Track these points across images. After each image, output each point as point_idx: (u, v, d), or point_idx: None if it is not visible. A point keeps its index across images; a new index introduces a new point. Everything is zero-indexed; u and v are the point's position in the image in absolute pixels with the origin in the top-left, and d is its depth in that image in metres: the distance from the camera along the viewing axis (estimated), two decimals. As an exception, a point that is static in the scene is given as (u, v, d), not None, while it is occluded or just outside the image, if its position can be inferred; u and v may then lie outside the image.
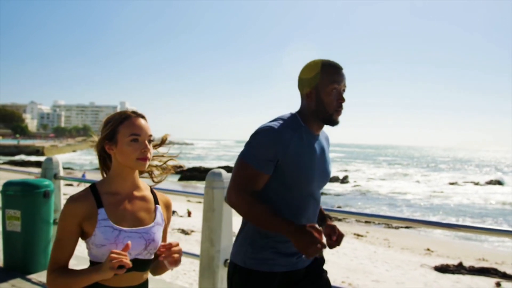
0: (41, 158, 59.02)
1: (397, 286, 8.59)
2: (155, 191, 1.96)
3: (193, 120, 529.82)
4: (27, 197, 4.82)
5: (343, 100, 2.08)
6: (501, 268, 11.39)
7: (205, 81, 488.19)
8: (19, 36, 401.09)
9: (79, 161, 65.14)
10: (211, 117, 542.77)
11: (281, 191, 2.05)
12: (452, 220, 22.40)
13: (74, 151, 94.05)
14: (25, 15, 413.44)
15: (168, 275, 6.87)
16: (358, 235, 15.60)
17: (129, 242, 1.67)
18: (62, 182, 5.37)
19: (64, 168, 43.35)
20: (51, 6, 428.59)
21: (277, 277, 2.08)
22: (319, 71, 2.07)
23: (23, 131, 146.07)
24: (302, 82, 2.13)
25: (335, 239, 2.09)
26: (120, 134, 1.78)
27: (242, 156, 2.04)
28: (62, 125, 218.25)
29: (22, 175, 7.11)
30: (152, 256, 1.84)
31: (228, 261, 2.28)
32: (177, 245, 1.78)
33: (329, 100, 2.05)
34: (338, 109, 2.07)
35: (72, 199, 1.75)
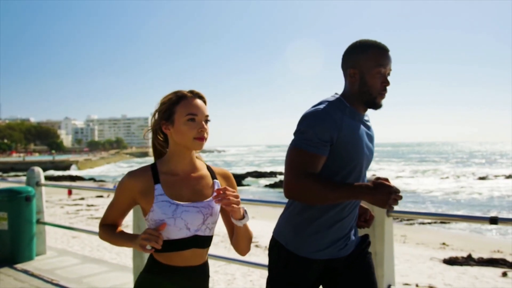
0: (75, 172, 60.96)
1: (400, 278, 8.84)
2: (212, 167, 1.96)
3: (224, 127, 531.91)
4: (12, 201, 5.79)
5: (387, 83, 2.03)
6: (512, 259, 11.46)
7: (233, 86, 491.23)
8: (50, 54, 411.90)
9: (111, 173, 66.60)
10: (241, 123, 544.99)
11: (335, 171, 2.01)
12: (477, 214, 22.27)
13: (108, 163, 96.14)
14: (52, 32, 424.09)
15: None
16: (376, 232, 15.78)
17: (165, 223, 1.73)
18: (44, 188, 6.32)
19: (97, 181, 44.33)
20: (79, 21, 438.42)
21: (316, 264, 2.07)
22: (366, 52, 2.01)
23: (59, 147, 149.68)
24: (346, 61, 2.08)
25: (367, 219, 2.19)
26: (177, 114, 1.79)
27: (294, 144, 1.99)
28: (96, 138, 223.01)
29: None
30: (212, 233, 1.87)
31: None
32: (234, 191, 1.77)
33: (373, 82, 2.01)
34: (382, 92, 2.03)
35: (130, 174, 1.82)
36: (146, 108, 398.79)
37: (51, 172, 63.79)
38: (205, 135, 1.79)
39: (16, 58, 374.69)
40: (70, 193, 27.14)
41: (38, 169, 6.39)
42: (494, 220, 2.68)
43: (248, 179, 43.73)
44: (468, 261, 10.64)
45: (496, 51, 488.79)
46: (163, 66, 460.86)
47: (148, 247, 1.67)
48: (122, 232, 1.89)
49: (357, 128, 2.04)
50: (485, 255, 11.64)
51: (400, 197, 1.83)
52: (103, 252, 9.83)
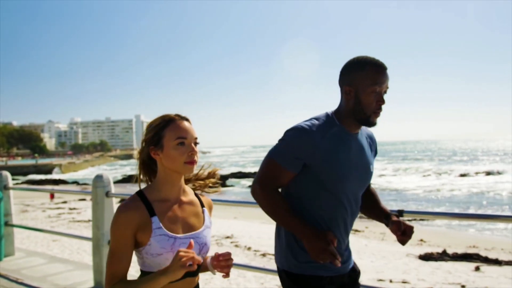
0: (57, 176, 60.48)
1: (376, 275, 9.03)
2: (199, 194, 1.95)
3: (209, 128, 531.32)
4: (-19, 204, 5.99)
5: (383, 102, 2.01)
6: (489, 254, 11.73)
7: (219, 89, 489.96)
8: (33, 56, 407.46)
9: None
10: (227, 124, 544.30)
11: (316, 193, 2.03)
12: (455, 211, 22.62)
13: (92, 166, 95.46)
14: (34, 35, 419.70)
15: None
16: (356, 230, 15.98)
17: (192, 241, 1.66)
18: (12, 192, 6.55)
19: (80, 184, 43.98)
20: (61, 24, 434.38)
21: (326, 281, 2.05)
22: (362, 69, 1.99)
23: (42, 150, 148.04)
24: (343, 78, 2.06)
25: (402, 232, 2.09)
26: (165, 138, 1.74)
27: (270, 152, 2.05)
28: (80, 141, 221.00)
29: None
30: (202, 260, 1.83)
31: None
32: (230, 255, 1.84)
33: (368, 101, 1.99)
34: (377, 111, 2.01)
35: (124, 208, 1.70)
36: (130, 111, 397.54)
37: (33, 176, 63.22)
38: (196, 158, 1.76)
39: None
40: (52, 196, 27.01)
41: (5, 173, 6.60)
42: (400, 212, 2.96)
43: (232, 180, 43.80)
44: (443, 256, 10.90)
45: (490, 45, 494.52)
46: (148, 68, 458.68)
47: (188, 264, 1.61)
48: (143, 278, 1.67)
49: (342, 148, 2.02)
50: (460, 251, 11.90)
51: (334, 262, 1.87)
52: (83, 254, 9.90)
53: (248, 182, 41.46)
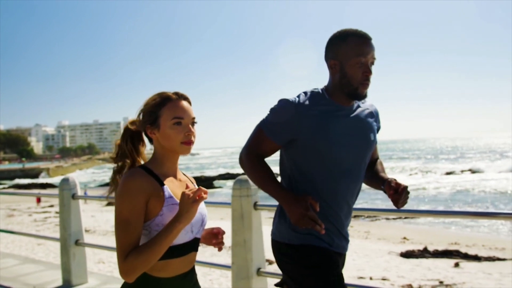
0: (44, 180, 60.08)
1: (357, 272, 9.17)
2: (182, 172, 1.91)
3: (200, 130, 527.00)
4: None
5: (369, 72, 1.96)
6: (469, 250, 11.94)
7: (209, 89, 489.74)
8: (19, 59, 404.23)
9: (84, 179, 65.93)
10: (216, 126, 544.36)
11: (312, 167, 1.99)
12: (439, 209, 22.91)
13: (80, 169, 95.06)
14: (20, 37, 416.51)
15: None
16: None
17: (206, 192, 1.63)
18: None
19: (67, 188, 43.91)
20: (48, 25, 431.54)
21: (329, 252, 2.01)
22: (345, 41, 1.97)
23: (29, 155, 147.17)
24: (327, 52, 2.04)
25: (396, 191, 1.97)
26: (162, 117, 1.70)
27: (261, 122, 2.06)
28: (68, 145, 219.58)
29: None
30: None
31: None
32: (222, 232, 1.92)
33: (353, 72, 1.95)
34: (364, 82, 1.96)
35: (133, 175, 1.63)
36: (118, 113, 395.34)
37: (19, 181, 62.73)
38: (193, 138, 1.72)
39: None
40: (38, 200, 26.95)
41: None
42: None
43: (220, 182, 43.86)
44: (423, 253, 11.07)
45: (494, 39, 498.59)
46: (136, 69, 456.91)
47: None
48: (157, 234, 1.59)
49: (333, 122, 1.98)
50: (442, 248, 12.09)
51: (315, 228, 1.83)
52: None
53: (236, 183, 41.57)
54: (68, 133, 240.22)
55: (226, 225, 2.81)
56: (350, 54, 1.94)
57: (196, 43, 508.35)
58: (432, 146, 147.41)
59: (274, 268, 5.12)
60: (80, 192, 5.01)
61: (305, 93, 2.03)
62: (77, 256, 4.81)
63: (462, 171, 46.32)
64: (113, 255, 9.81)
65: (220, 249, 1.90)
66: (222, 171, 60.58)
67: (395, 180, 2.02)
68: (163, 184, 1.66)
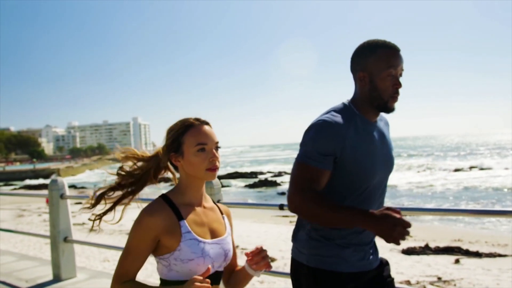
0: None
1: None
2: (215, 201, 1.91)
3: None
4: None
5: (399, 85, 1.91)
6: (472, 247, 12.00)
7: (215, 89, 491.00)
8: (29, 61, 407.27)
9: (93, 179, 66.36)
10: (224, 124, 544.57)
11: (344, 187, 1.91)
12: (445, 206, 22.91)
13: (90, 170, 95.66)
14: (30, 40, 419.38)
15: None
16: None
17: (210, 266, 1.62)
18: None
19: (78, 188, 44.10)
20: (58, 28, 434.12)
21: (345, 277, 1.91)
22: (374, 53, 1.90)
23: (40, 155, 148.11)
24: (355, 64, 1.97)
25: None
26: (185, 144, 1.69)
27: (298, 158, 1.89)
28: (78, 145, 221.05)
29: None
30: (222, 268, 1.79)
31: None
32: (261, 248, 1.79)
33: (384, 86, 1.89)
34: (394, 95, 1.91)
35: (150, 211, 1.64)
36: (127, 113, 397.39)
37: (29, 181, 63.15)
38: (217, 164, 1.69)
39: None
40: (48, 201, 27.24)
41: None
42: (281, 206, 3.24)
43: (229, 180, 44.03)
44: (425, 250, 11.16)
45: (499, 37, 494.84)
46: (144, 70, 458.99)
47: None
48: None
49: (366, 138, 1.93)
50: (445, 244, 12.15)
51: (408, 232, 1.67)
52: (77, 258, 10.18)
53: (244, 182, 41.71)
54: (78, 133, 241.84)
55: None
56: (380, 66, 1.89)
57: (200, 43, 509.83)
58: (441, 143, 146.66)
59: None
60: (68, 192, 5.27)
61: (336, 110, 1.94)
62: (66, 252, 5.14)
63: (470, 168, 46.12)
64: (119, 254, 10.03)
65: (268, 268, 1.80)
66: (231, 170, 60.73)
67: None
68: (182, 218, 1.65)
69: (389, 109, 1.94)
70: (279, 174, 51.14)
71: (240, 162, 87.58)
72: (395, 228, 1.64)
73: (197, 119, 1.73)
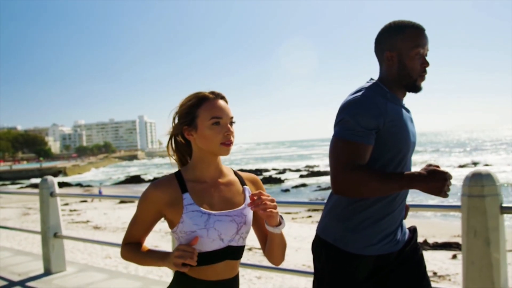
0: (62, 179, 60.88)
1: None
2: (239, 172, 1.83)
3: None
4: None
5: (427, 64, 1.93)
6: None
7: (220, 87, 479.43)
8: (35, 61, 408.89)
9: (99, 177, 66.73)
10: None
11: (383, 162, 1.89)
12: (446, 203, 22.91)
13: (96, 168, 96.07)
14: (36, 39, 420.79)
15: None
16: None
17: (197, 237, 1.60)
18: None
19: (84, 186, 44.22)
20: (63, 27, 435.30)
21: (368, 260, 1.92)
22: (402, 33, 1.91)
23: (47, 154, 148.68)
24: (382, 44, 1.98)
25: None
26: (200, 117, 1.65)
27: (337, 135, 1.85)
28: (84, 144, 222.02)
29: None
30: (245, 243, 1.73)
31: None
32: (269, 195, 1.65)
33: (413, 64, 1.91)
34: (422, 74, 1.93)
35: (154, 185, 1.67)
36: (133, 111, 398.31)
37: (35, 180, 63.46)
38: (232, 138, 1.66)
39: (0, 66, 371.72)
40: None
41: None
42: None
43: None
44: (423, 246, 11.24)
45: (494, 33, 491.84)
46: (150, 68, 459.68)
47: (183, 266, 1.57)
48: (150, 251, 1.73)
49: (400, 114, 1.93)
50: (443, 240, 12.23)
51: (450, 183, 1.72)
52: (76, 253, 10.32)
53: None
54: (84, 132, 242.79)
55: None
56: (409, 45, 1.90)
57: (204, 42, 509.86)
58: (447, 139, 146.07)
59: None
60: (58, 190, 5.49)
61: (368, 88, 1.93)
62: (55, 247, 5.36)
63: (474, 164, 46.05)
64: (116, 250, 10.18)
65: (263, 210, 1.61)
66: (236, 167, 60.61)
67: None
68: (186, 191, 1.65)
69: (418, 88, 1.96)
70: (283, 171, 51.22)
71: (246, 160, 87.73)
72: (445, 183, 1.70)
73: (212, 92, 1.70)
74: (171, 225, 1.67)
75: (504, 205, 2.70)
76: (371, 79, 2.02)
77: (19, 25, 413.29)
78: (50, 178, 5.55)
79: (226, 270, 1.67)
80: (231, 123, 1.68)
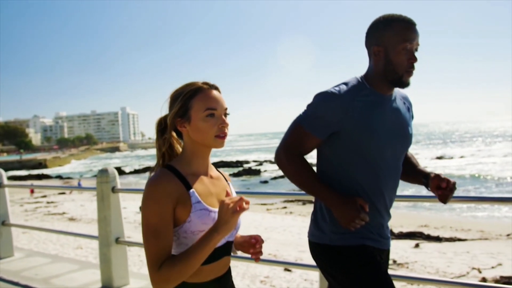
0: (42, 171, 60.40)
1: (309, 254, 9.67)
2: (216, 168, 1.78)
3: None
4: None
5: (415, 59, 1.88)
6: (435, 232, 12.47)
7: (205, 78, 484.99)
8: (16, 51, 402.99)
9: (80, 170, 66.42)
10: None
11: (353, 161, 1.90)
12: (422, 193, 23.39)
13: (77, 160, 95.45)
14: (17, 29, 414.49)
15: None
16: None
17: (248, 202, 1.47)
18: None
19: (64, 178, 43.73)
20: (44, 18, 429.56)
21: (371, 250, 1.91)
22: (390, 27, 1.87)
23: (27, 146, 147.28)
24: (370, 39, 1.94)
25: (445, 186, 1.90)
26: (193, 109, 1.56)
27: (296, 118, 1.94)
28: (66, 136, 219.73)
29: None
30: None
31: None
32: (261, 239, 1.71)
33: (399, 60, 1.86)
34: (409, 69, 1.88)
35: (159, 180, 1.49)
36: (116, 103, 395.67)
37: (14, 172, 62.89)
38: (227, 130, 1.59)
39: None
40: (32, 191, 27.50)
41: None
42: None
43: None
44: (388, 235, 11.61)
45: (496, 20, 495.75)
46: (133, 60, 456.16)
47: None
48: (193, 245, 1.46)
49: (375, 111, 1.90)
50: (410, 230, 12.61)
51: (363, 223, 1.79)
52: (48, 244, 10.53)
53: (229, 171, 42.00)
54: (66, 124, 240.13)
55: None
56: (395, 40, 1.85)
57: (192, 32, 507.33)
58: (430, 130, 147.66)
59: (133, 237, 5.54)
60: (6, 182, 5.62)
61: (346, 83, 1.93)
62: (4, 234, 5.65)
63: (451, 157, 46.87)
64: (87, 241, 10.35)
65: (257, 259, 1.71)
66: (217, 159, 61.02)
67: (440, 175, 1.95)
68: (191, 188, 1.52)
69: (404, 84, 1.91)
70: (263, 163, 51.55)
71: (227, 151, 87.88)
72: (353, 217, 1.79)
73: (206, 83, 1.61)
74: (174, 224, 1.51)
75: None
76: (359, 76, 2.03)
77: (2, 17, 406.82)
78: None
79: (224, 266, 1.63)
80: (226, 114, 1.60)
